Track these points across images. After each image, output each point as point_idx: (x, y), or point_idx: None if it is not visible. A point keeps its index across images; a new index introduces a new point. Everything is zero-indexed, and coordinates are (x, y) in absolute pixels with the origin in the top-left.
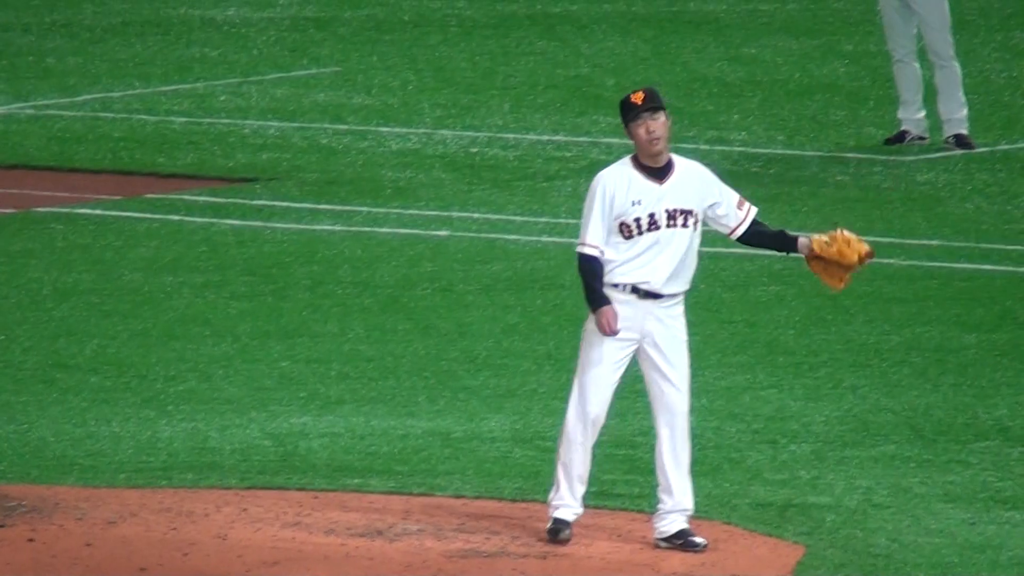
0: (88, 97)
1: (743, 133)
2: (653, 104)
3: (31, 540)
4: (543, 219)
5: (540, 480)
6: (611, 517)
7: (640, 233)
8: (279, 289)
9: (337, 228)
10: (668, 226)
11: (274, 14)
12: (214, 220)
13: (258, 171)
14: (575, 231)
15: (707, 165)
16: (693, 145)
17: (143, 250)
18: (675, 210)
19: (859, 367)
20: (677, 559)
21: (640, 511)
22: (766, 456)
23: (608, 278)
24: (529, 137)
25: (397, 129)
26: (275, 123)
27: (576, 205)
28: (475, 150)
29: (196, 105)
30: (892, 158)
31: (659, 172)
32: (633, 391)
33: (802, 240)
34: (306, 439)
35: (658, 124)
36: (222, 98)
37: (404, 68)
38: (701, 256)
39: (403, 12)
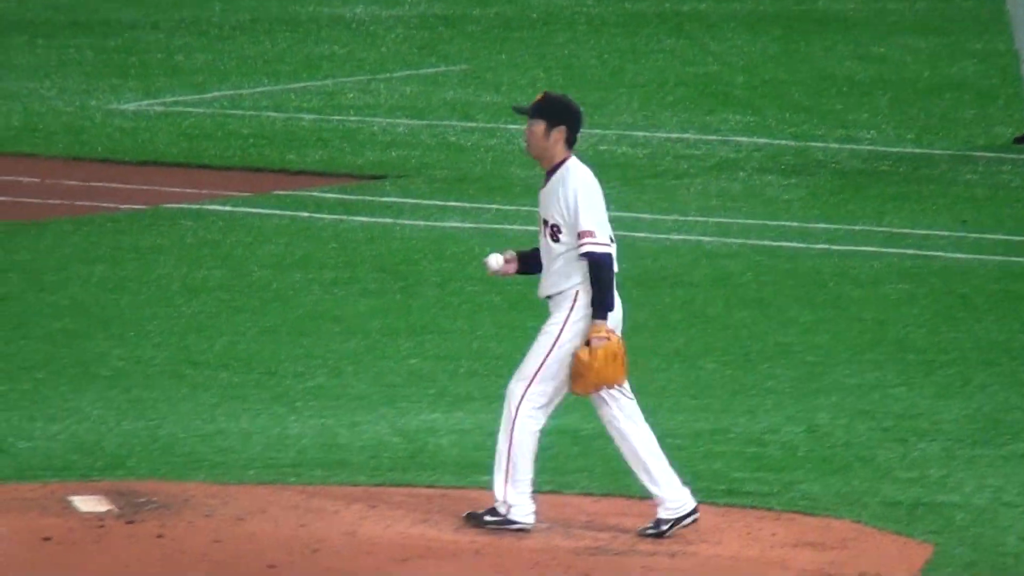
0: (217, 94)
1: (872, 132)
2: (525, 110)
3: (160, 536)
4: (672, 217)
5: None
6: (740, 515)
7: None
8: (408, 286)
9: (466, 225)
10: (543, 232)
11: (403, 11)
12: (343, 217)
13: (387, 168)
14: (704, 229)
15: (600, 181)
16: (822, 144)
17: (272, 246)
18: (542, 218)
19: (989, 365)
20: (806, 557)
21: (769, 508)
22: (896, 454)
23: None
24: (658, 135)
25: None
26: (404, 120)
27: (706, 203)
28: (604, 148)
29: (325, 102)
30: (1021, 156)
31: (545, 178)
32: (762, 388)
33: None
34: (435, 436)
35: (527, 131)
36: (351, 95)
37: (533, 66)
38: (830, 254)
39: (532, 10)
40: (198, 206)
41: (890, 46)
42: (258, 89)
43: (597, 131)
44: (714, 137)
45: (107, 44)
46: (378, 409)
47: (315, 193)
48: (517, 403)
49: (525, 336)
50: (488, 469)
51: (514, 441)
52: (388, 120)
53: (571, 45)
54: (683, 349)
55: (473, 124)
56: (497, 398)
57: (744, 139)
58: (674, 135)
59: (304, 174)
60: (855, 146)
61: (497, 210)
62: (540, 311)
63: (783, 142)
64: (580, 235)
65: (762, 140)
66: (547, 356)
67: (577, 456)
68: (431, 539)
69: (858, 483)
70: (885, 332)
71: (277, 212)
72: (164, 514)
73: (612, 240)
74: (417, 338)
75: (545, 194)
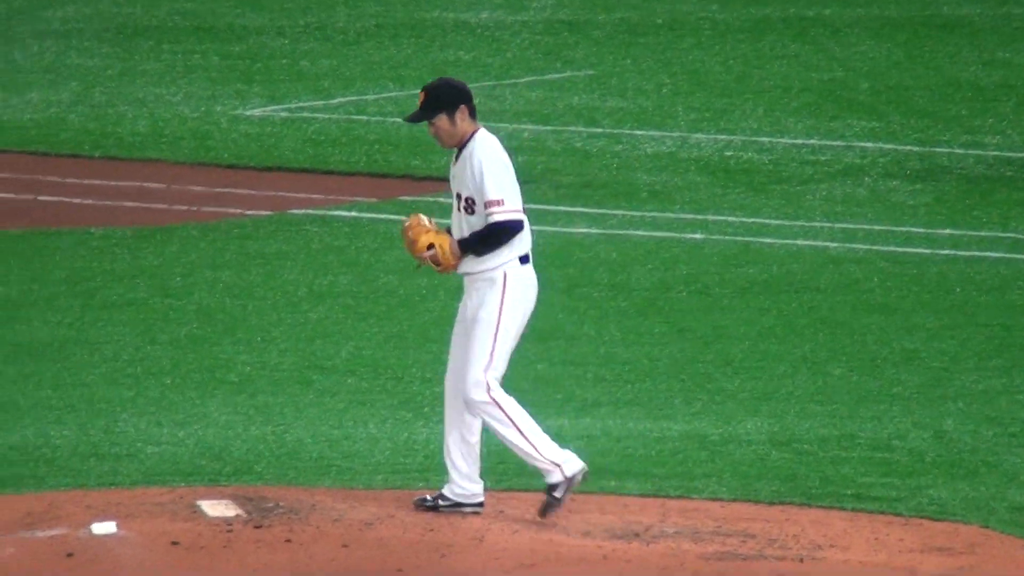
0: (342, 100)
1: (997, 137)
2: (419, 116)
3: (288, 541)
4: (798, 222)
5: (797, 483)
6: (868, 520)
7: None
8: None
9: (593, 231)
10: (458, 207)
11: (528, 17)
12: None
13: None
14: (830, 234)
15: (507, 151)
16: (947, 149)
17: (398, 252)
18: (455, 193)
19: None
20: (934, 562)
21: (897, 514)
22: (1023, 459)
23: None
24: (783, 141)
25: (652, 132)
26: (529, 126)
27: (832, 209)
28: (730, 153)
29: None
30: None
31: (456, 154)
32: (889, 394)
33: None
34: (562, 441)
35: (434, 132)
36: (476, 101)
37: (658, 71)
38: (956, 259)
39: (657, 15)
40: (324, 212)
41: (1015, 51)
42: (383, 95)
43: (722, 137)
44: (839, 143)
45: (233, 50)
46: None
47: (440, 199)
48: (487, 395)
49: (652, 341)
50: (616, 475)
51: (515, 420)
52: (514, 126)
53: (696, 51)
54: (810, 355)
55: (599, 129)
56: (625, 403)
57: (869, 145)
58: (799, 141)
59: (429, 179)
60: (980, 152)
61: (623, 215)
62: (668, 317)
63: (908, 148)
64: (487, 204)
65: (887, 146)
66: (493, 345)
67: (705, 461)
68: (558, 544)
69: (985, 488)
70: (1012, 337)
71: (402, 218)
72: (292, 519)
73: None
74: (544, 343)
75: (457, 169)
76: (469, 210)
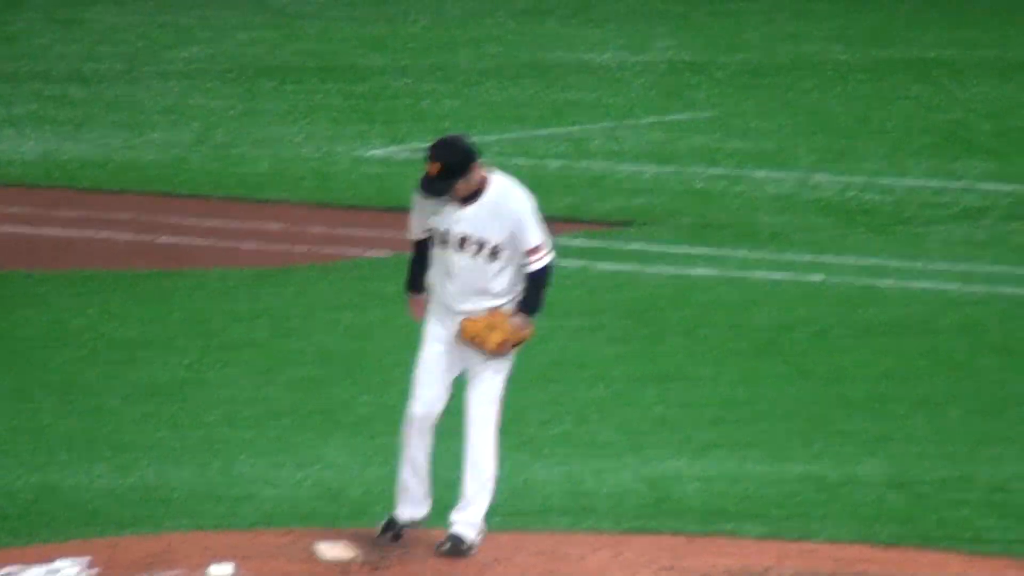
0: None
1: None
2: (445, 187)
3: None
4: (918, 264)
5: (915, 525)
6: (986, 563)
7: (438, 244)
8: (654, 333)
9: (712, 272)
10: (459, 248)
11: (650, 58)
12: (589, 263)
13: (633, 214)
14: (951, 277)
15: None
16: None
17: None
18: (464, 237)
19: None
20: None
21: (1016, 557)
22: None
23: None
24: (904, 182)
25: (772, 173)
26: (650, 167)
27: (952, 250)
28: (850, 195)
29: (571, 148)
30: None
31: (462, 201)
32: (1007, 436)
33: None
34: (680, 483)
35: (461, 189)
36: (597, 142)
37: (779, 112)
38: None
39: (779, 56)
40: None
41: None
42: (505, 135)
43: (843, 178)
44: (959, 184)
45: (355, 90)
46: (623, 456)
47: (561, 239)
48: (495, 428)
49: (771, 383)
50: (734, 517)
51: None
52: (634, 167)
53: (817, 92)
54: (928, 397)
55: (719, 171)
56: (743, 445)
57: (990, 186)
58: (920, 182)
59: (550, 220)
60: None
61: (743, 257)
62: (787, 358)
63: None
64: (532, 251)
65: (1008, 187)
66: (505, 376)
67: (823, 503)
68: None
69: None
70: None
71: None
72: (409, 561)
73: None
74: (662, 385)
75: (471, 215)
76: (493, 256)
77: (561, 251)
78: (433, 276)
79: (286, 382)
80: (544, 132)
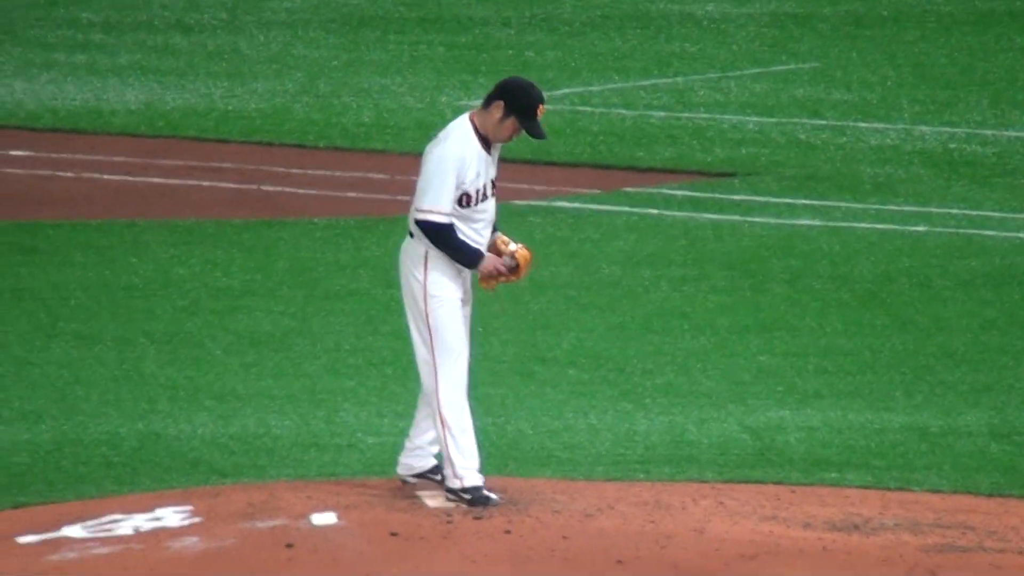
0: (567, 91)
1: None
2: (538, 131)
3: (508, 532)
4: (1021, 215)
5: (1017, 475)
6: None
7: (479, 201)
8: (757, 283)
9: (816, 223)
10: (492, 195)
11: (753, 9)
12: (693, 214)
13: (736, 165)
14: None
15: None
16: None
17: (621, 243)
18: (494, 180)
19: None
20: None
21: None
22: None
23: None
24: (1008, 133)
25: (876, 125)
26: (754, 118)
27: None
28: (953, 146)
29: (675, 99)
30: None
31: (488, 141)
32: None
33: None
34: (783, 433)
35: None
36: (701, 92)
37: (883, 64)
38: None
39: (882, 7)
40: (546, 203)
41: None
42: (608, 86)
43: (946, 129)
44: None
45: (458, 40)
46: (726, 406)
47: (664, 190)
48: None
49: (874, 333)
50: (836, 466)
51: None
52: (738, 117)
53: (921, 43)
54: None
55: (823, 122)
56: (846, 395)
57: None
58: (1023, 133)
59: (653, 171)
60: None
61: (847, 208)
62: (890, 309)
63: None
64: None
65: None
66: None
67: (925, 453)
68: (779, 536)
69: None
70: None
71: (626, 209)
72: (512, 510)
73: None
74: (766, 335)
75: (495, 158)
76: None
77: (664, 202)
78: (470, 237)
79: (389, 331)
80: (648, 83)
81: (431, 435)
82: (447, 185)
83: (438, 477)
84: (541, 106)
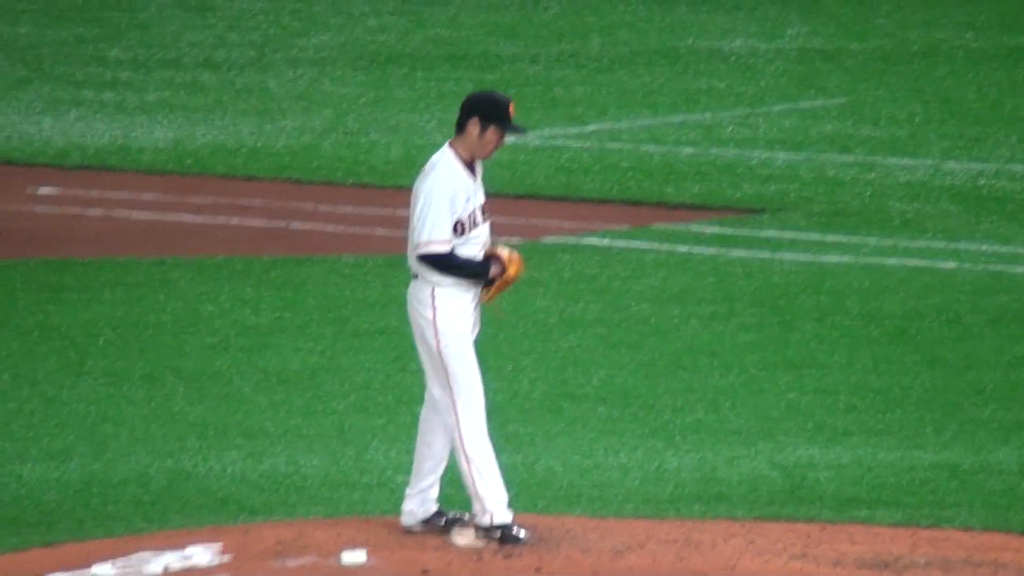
0: (595, 127)
1: None
2: (518, 129)
3: (538, 570)
4: None
5: None
6: None
7: (471, 228)
8: (786, 320)
9: (844, 259)
10: (484, 220)
11: (781, 45)
12: (722, 250)
13: (765, 202)
14: None
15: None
16: None
17: (651, 280)
18: (484, 204)
19: None
20: None
21: None
22: None
23: (448, 279)
24: None
25: (904, 161)
26: (782, 154)
27: None
28: (983, 182)
29: (704, 135)
30: None
31: (471, 165)
32: None
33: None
34: (813, 470)
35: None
36: (730, 128)
37: (911, 99)
38: None
39: (911, 43)
40: (576, 240)
41: None
42: (636, 122)
43: (975, 165)
44: None
45: (486, 77)
46: (756, 443)
47: (693, 227)
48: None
49: (903, 370)
50: (867, 504)
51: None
52: (767, 153)
53: (950, 79)
54: None
55: (851, 158)
56: (876, 432)
57: None
58: None
59: (682, 207)
60: None
61: (875, 244)
62: (919, 346)
63: None
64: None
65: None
66: None
67: (956, 491)
68: (809, 574)
69: None
70: None
71: (655, 246)
72: (542, 548)
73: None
74: (795, 372)
75: (480, 181)
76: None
77: (693, 238)
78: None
79: (418, 369)
80: (676, 119)
81: (431, 480)
82: (443, 214)
83: (442, 522)
84: (511, 105)
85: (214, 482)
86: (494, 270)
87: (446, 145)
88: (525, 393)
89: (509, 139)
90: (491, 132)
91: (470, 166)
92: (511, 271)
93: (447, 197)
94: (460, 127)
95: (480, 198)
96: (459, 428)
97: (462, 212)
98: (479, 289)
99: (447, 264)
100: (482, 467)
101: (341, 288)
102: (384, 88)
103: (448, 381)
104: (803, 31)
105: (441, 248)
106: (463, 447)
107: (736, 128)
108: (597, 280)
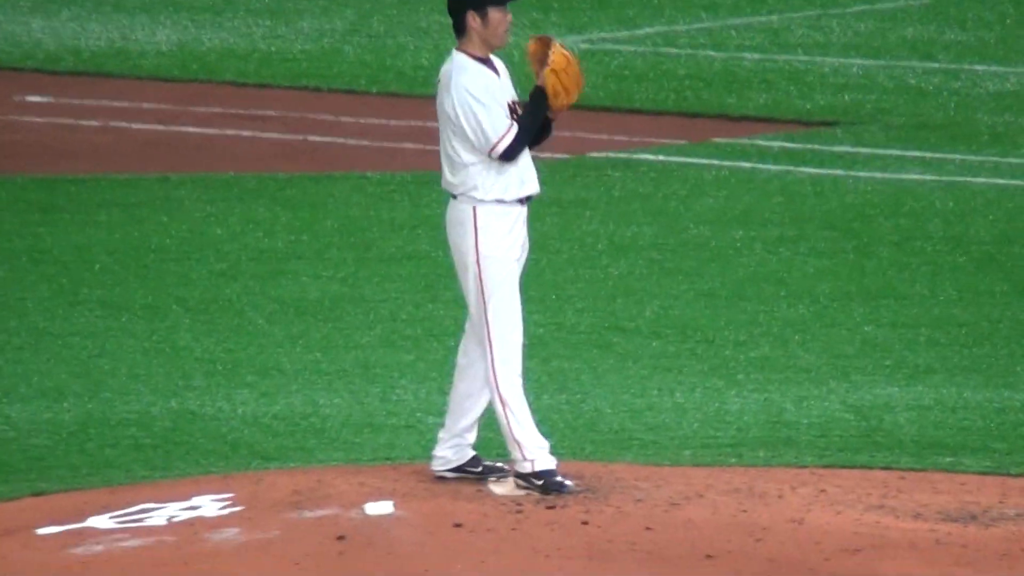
0: (650, 31)
1: None
2: None
3: (585, 523)
4: None
5: None
6: None
7: None
8: (862, 245)
9: (927, 177)
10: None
11: None
12: (790, 168)
13: (839, 114)
14: None
15: None
16: None
17: (710, 200)
18: (514, 102)
19: None
20: None
21: None
22: None
23: (491, 193)
24: None
25: (994, 68)
26: (858, 60)
27: None
28: None
29: (770, 40)
30: None
31: (489, 63)
32: None
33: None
34: (891, 412)
35: (508, 21)
36: (799, 32)
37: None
38: None
39: None
40: (627, 155)
41: None
42: (695, 25)
43: None
44: None
45: None
46: (828, 382)
47: (758, 141)
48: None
49: (992, 301)
50: (952, 449)
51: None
52: (840, 60)
53: None
54: None
55: (935, 65)
56: (962, 370)
57: None
58: None
59: (746, 120)
60: None
61: (961, 160)
62: (1010, 274)
63: None
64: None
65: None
66: None
67: None
68: (887, 527)
69: None
70: None
71: (715, 162)
72: (589, 498)
73: None
74: (871, 303)
75: (504, 76)
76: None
77: (758, 154)
78: (507, 187)
79: (450, 299)
80: (739, 21)
81: (468, 420)
82: (492, 108)
83: (478, 470)
84: None
85: (223, 424)
86: (544, 87)
87: (454, 51)
88: (571, 325)
89: (510, 16)
90: (492, 14)
91: (487, 63)
92: (556, 52)
93: (483, 90)
94: (459, 29)
95: (511, 93)
96: (494, 366)
97: (505, 106)
98: (525, 208)
99: (522, 139)
100: (517, 410)
101: (365, 208)
102: None
103: (486, 312)
104: None
105: (510, 138)
106: (498, 388)
107: (806, 32)
108: (651, 200)
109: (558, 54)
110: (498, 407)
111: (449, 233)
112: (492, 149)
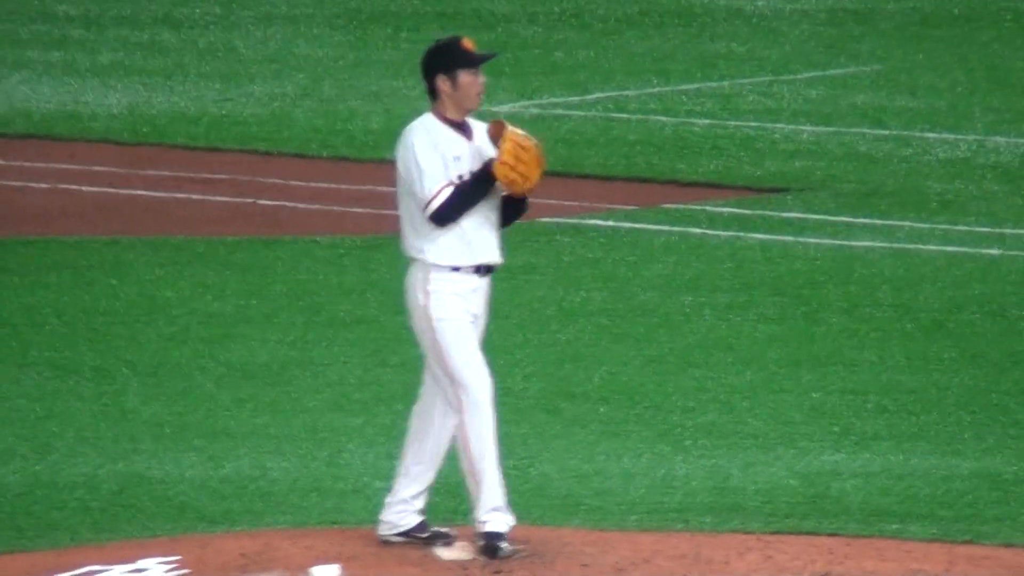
0: (600, 95)
1: None
2: (486, 56)
3: None
4: None
5: None
6: None
7: None
8: (811, 311)
9: (876, 244)
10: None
11: (808, 6)
12: (740, 234)
13: (789, 180)
14: None
15: None
16: None
17: (660, 266)
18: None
19: None
20: None
21: None
22: None
23: (444, 259)
24: None
25: (944, 135)
26: (808, 127)
27: None
28: None
29: (721, 106)
30: None
31: (463, 127)
32: None
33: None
34: (838, 479)
35: (482, 84)
36: (750, 98)
37: (953, 67)
38: None
39: (952, 5)
40: (577, 220)
41: None
42: (646, 90)
43: (1023, 141)
44: None
45: (480, 38)
46: (775, 449)
47: (708, 207)
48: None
49: (941, 368)
50: (898, 517)
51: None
52: (791, 127)
53: (995, 44)
54: None
55: (885, 132)
56: (909, 437)
57: None
58: None
59: (696, 185)
60: None
61: (911, 227)
62: (958, 341)
63: None
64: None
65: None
66: None
67: (997, 503)
68: None
69: None
70: None
71: (665, 228)
72: (535, 563)
73: None
74: (820, 370)
75: (479, 141)
76: None
77: (708, 220)
78: (461, 255)
79: (399, 363)
80: (690, 87)
81: (419, 487)
82: (432, 163)
83: (425, 535)
84: (464, 40)
85: (171, 487)
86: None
87: (427, 113)
88: (519, 391)
89: (482, 77)
90: (462, 77)
91: (460, 127)
92: (506, 143)
93: (430, 147)
94: (432, 93)
95: (482, 157)
96: (464, 427)
97: (452, 168)
98: (483, 279)
99: (456, 205)
100: (486, 469)
101: (314, 273)
102: (364, 50)
103: (450, 370)
104: None
105: (442, 198)
106: (468, 448)
107: (757, 98)
108: (600, 265)
109: (508, 145)
110: (465, 465)
111: (406, 298)
112: (425, 207)
